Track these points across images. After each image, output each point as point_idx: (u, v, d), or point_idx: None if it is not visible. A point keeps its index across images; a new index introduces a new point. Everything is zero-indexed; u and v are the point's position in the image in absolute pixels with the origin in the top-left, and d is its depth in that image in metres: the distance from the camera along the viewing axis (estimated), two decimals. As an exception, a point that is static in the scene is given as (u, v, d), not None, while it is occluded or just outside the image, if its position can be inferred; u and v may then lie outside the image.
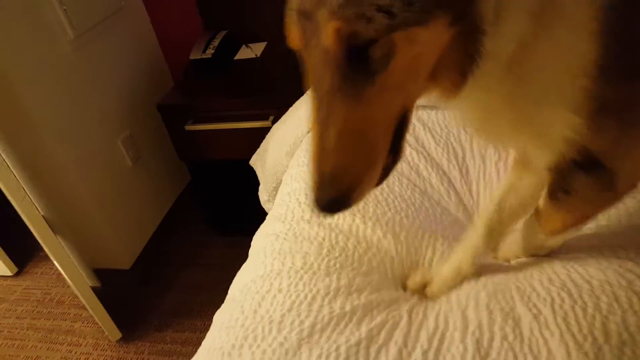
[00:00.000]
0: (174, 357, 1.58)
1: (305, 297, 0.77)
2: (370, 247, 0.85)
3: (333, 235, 0.87)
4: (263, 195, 1.43)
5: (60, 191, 1.62)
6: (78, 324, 1.76)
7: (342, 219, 0.90)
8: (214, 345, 0.74)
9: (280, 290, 0.79)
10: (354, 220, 0.89)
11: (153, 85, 1.95)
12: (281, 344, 0.69)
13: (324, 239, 0.86)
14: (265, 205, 1.44)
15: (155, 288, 1.85)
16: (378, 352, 0.67)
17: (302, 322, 0.72)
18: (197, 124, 1.65)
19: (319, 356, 0.67)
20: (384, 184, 0.98)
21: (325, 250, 0.84)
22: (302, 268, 0.82)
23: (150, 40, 1.99)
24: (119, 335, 1.67)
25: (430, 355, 0.65)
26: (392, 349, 0.67)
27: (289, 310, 0.74)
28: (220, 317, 0.81)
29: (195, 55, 1.80)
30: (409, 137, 1.11)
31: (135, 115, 1.87)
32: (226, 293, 0.90)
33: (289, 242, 0.88)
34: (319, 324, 0.72)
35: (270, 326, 0.72)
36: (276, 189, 1.29)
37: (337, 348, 0.68)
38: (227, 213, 1.94)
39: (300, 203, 0.98)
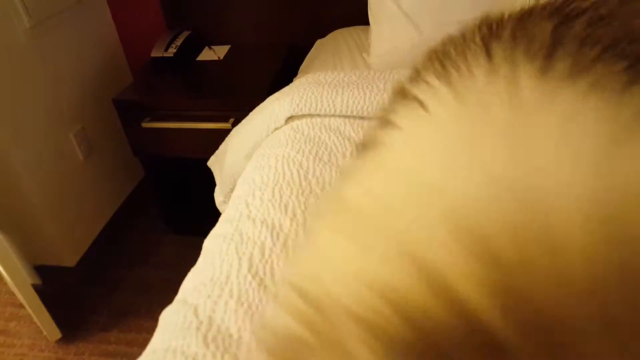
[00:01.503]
0: (117, 359, 1.54)
1: (257, 307, 0.77)
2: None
3: (275, 233, 0.88)
4: (219, 196, 1.43)
5: (2, 182, 1.55)
6: (13, 324, 1.68)
7: (280, 216, 0.92)
8: (164, 346, 0.74)
9: (231, 297, 0.79)
10: (292, 219, 0.91)
11: (110, 81, 1.91)
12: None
13: (265, 238, 0.87)
14: (220, 206, 1.44)
15: (102, 287, 1.79)
16: None
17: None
18: (154, 122, 1.62)
19: None
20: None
21: (267, 250, 0.86)
22: (249, 271, 0.82)
23: (110, 35, 1.95)
24: (58, 335, 1.60)
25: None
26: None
27: (243, 321, 0.75)
28: (171, 318, 0.81)
29: (156, 53, 1.78)
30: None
31: (90, 109, 1.82)
32: (176, 293, 0.89)
33: (235, 243, 0.89)
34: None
35: (229, 340, 0.72)
36: (233, 191, 1.29)
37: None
38: (181, 212, 1.92)
39: (247, 204, 0.99)
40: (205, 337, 0.72)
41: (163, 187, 1.85)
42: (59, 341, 1.61)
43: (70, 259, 1.76)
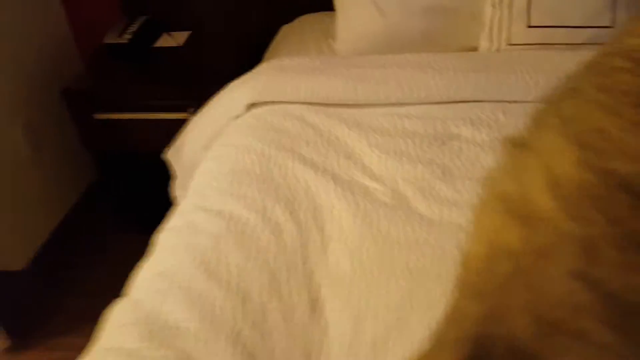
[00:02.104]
0: (69, 363, 1.50)
1: (205, 298, 0.75)
2: (264, 231, 0.85)
3: (231, 224, 0.87)
4: (177, 190, 1.41)
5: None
6: (-45, 332, 1.62)
7: (236, 207, 0.91)
8: (106, 345, 0.72)
9: (179, 288, 0.77)
10: (250, 208, 0.90)
11: (59, 70, 1.85)
12: (181, 353, 0.68)
13: (220, 229, 0.86)
14: (178, 200, 1.41)
15: (55, 291, 1.74)
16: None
17: (203, 331, 0.70)
18: (108, 113, 1.58)
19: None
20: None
21: (221, 241, 0.84)
22: (199, 263, 0.80)
23: (59, 21, 1.89)
24: (6, 343, 1.54)
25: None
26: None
27: (189, 312, 0.73)
28: (115, 315, 0.78)
29: (110, 39, 1.73)
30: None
31: (38, 101, 1.76)
32: None
33: (187, 236, 0.87)
34: (222, 328, 0.71)
35: (175, 332, 0.71)
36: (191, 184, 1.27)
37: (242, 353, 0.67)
38: (140, 208, 1.87)
39: (203, 195, 0.97)
40: (149, 331, 0.70)
41: (119, 182, 1.80)
42: (7, 350, 1.55)
43: (18, 263, 1.70)
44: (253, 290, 0.75)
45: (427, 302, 0.72)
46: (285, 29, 1.75)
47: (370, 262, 0.80)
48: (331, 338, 0.70)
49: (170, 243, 0.87)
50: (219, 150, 1.11)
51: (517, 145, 0.42)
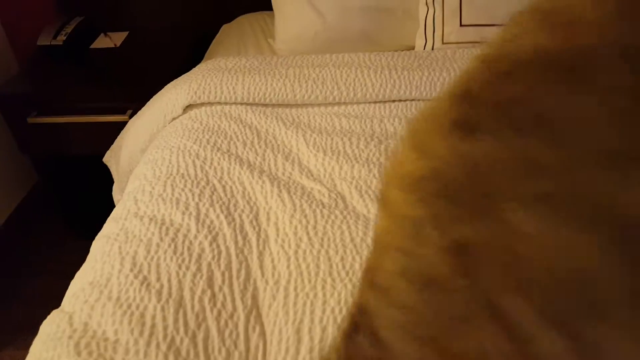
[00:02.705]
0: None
1: (137, 307, 0.71)
2: (198, 236, 0.82)
3: (164, 229, 0.83)
4: (117, 194, 1.34)
5: None
6: None
7: (170, 211, 0.87)
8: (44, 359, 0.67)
9: (109, 299, 0.73)
10: (184, 212, 0.87)
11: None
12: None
13: (153, 234, 0.82)
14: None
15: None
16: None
17: (136, 341, 0.66)
18: (42, 117, 1.49)
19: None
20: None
21: (154, 247, 0.80)
22: (131, 271, 0.76)
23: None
24: None
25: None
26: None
27: (120, 323, 0.69)
28: (46, 329, 0.73)
29: (43, 41, 1.64)
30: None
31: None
32: None
33: (119, 243, 0.82)
34: (154, 338, 0.67)
35: (105, 344, 0.66)
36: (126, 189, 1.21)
37: (176, 357, 0.64)
38: (82, 214, 1.78)
39: (136, 201, 0.92)
40: (77, 345, 0.65)
41: (59, 187, 1.71)
42: None
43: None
44: (188, 297, 0.72)
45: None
46: (225, 28, 1.71)
47: (307, 264, 0.78)
48: (271, 343, 0.67)
49: (102, 251, 0.82)
50: (154, 153, 1.06)
51: None
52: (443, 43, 1.38)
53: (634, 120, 0.15)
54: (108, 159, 1.36)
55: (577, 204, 0.14)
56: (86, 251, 1.76)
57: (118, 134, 1.39)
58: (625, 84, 0.16)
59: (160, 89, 1.34)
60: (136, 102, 1.46)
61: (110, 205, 1.44)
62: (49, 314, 1.62)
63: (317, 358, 0.58)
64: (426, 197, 0.19)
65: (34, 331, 1.54)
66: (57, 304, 1.64)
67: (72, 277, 1.71)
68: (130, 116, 1.46)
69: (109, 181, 1.46)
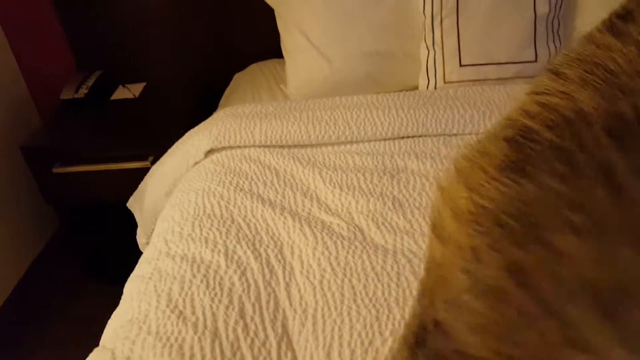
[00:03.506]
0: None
1: (175, 339, 0.76)
2: (228, 271, 0.87)
3: (195, 266, 0.87)
4: (141, 238, 1.39)
5: None
6: None
7: (200, 249, 0.92)
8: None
9: (149, 333, 0.77)
10: (213, 250, 0.91)
11: (18, 127, 1.82)
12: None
13: (185, 272, 0.86)
14: (143, 248, 1.40)
15: (19, 347, 1.66)
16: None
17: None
18: (66, 166, 1.56)
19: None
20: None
21: (187, 283, 0.84)
22: (167, 306, 0.81)
23: (15, 81, 1.87)
24: None
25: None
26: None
27: (161, 355, 0.73)
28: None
29: (66, 95, 1.73)
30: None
31: (-3, 157, 1.72)
32: None
33: (154, 281, 0.87)
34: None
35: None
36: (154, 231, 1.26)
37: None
38: (103, 260, 1.83)
39: (167, 241, 0.97)
40: None
41: (81, 234, 1.76)
42: None
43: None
44: (222, 328, 0.76)
45: (391, 327, 0.74)
46: (238, 77, 1.79)
47: (332, 293, 0.82)
48: (301, 368, 0.71)
49: (137, 290, 0.86)
50: (180, 196, 1.12)
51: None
52: (445, 82, 1.46)
53: None
54: (132, 204, 1.42)
55: (614, 227, 0.18)
56: (102, 296, 1.81)
57: (139, 180, 1.45)
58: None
59: (179, 135, 1.41)
60: (156, 148, 1.53)
61: (130, 250, 1.49)
62: (72, 356, 1.64)
63: None
64: (481, 230, 0.23)
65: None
66: (80, 348, 1.66)
67: (90, 320, 1.75)
68: (152, 162, 1.52)
69: (127, 227, 1.51)
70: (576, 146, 0.20)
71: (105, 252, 1.80)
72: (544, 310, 0.18)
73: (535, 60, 1.45)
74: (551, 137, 0.21)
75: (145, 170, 1.48)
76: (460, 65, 1.44)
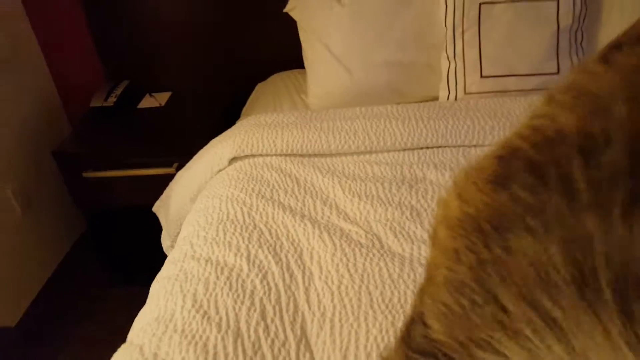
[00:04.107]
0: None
1: (200, 337, 0.81)
2: (250, 275, 0.92)
3: (219, 269, 0.93)
4: (166, 241, 1.46)
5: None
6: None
7: (224, 253, 0.97)
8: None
9: (175, 331, 0.83)
10: (236, 254, 0.97)
11: (49, 133, 1.92)
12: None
13: (210, 274, 0.92)
14: (167, 251, 1.46)
15: (46, 346, 1.74)
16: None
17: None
18: (96, 172, 1.64)
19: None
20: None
21: (211, 284, 0.90)
22: (192, 306, 0.86)
23: (47, 88, 1.97)
24: None
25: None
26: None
27: (187, 352, 0.78)
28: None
29: (96, 102, 1.81)
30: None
31: (28, 162, 1.81)
32: None
33: (180, 282, 0.93)
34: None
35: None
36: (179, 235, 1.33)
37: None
38: (127, 263, 1.91)
39: (192, 245, 1.03)
40: None
41: (106, 239, 1.84)
42: None
43: (10, 319, 1.71)
44: (244, 328, 0.81)
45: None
46: (260, 87, 1.86)
47: (350, 298, 0.87)
48: (319, 369, 0.76)
49: (164, 290, 0.92)
50: (205, 201, 1.18)
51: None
52: (465, 93, 1.49)
53: None
54: (157, 208, 1.49)
55: (559, 226, 0.23)
56: (126, 298, 1.88)
57: (164, 186, 1.52)
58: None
59: (202, 143, 1.48)
60: (181, 155, 1.60)
61: (154, 253, 1.56)
62: (97, 357, 1.71)
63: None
64: (463, 233, 0.28)
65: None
66: (104, 348, 1.73)
67: (114, 321, 1.81)
68: (177, 169, 1.59)
69: (151, 230, 1.58)
70: (549, 162, 0.24)
71: (129, 254, 1.88)
72: (487, 298, 0.23)
73: (557, 72, 1.48)
74: (531, 154, 0.25)
75: (170, 176, 1.55)
76: (481, 76, 1.48)
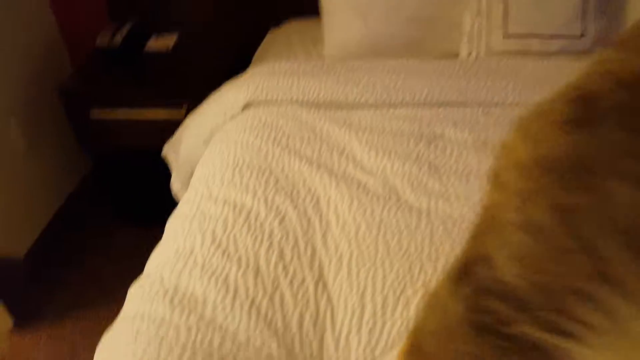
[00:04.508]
0: (74, 347, 1.55)
1: (220, 273, 0.84)
2: (268, 218, 0.95)
3: (237, 210, 0.96)
4: (176, 184, 1.48)
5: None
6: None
7: (241, 195, 1.00)
8: (132, 314, 0.79)
9: (195, 266, 0.86)
10: (253, 198, 0.99)
11: (52, 71, 1.91)
12: (203, 318, 0.76)
13: (228, 214, 0.94)
14: (177, 194, 1.49)
15: (53, 279, 1.79)
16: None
17: (222, 300, 0.79)
18: (103, 112, 1.64)
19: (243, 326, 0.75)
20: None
21: (230, 224, 0.93)
22: (212, 244, 0.89)
23: (49, 25, 1.95)
24: (10, 324, 1.61)
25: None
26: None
27: (207, 285, 0.81)
28: (138, 291, 0.86)
29: (101, 43, 1.80)
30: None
31: (31, 98, 1.82)
32: (131, 284, 0.93)
33: (198, 221, 0.95)
34: (238, 297, 0.80)
35: (195, 302, 0.79)
36: (190, 177, 1.34)
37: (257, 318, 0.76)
38: (134, 203, 1.93)
39: (208, 186, 1.05)
40: (171, 301, 0.78)
41: (113, 177, 1.85)
42: (12, 330, 1.62)
43: (18, 250, 1.76)
44: (264, 267, 0.84)
45: (423, 279, 0.82)
46: (273, 33, 1.84)
47: (367, 245, 0.90)
48: (338, 308, 0.79)
49: (181, 227, 0.95)
50: (220, 146, 1.20)
51: None
52: (487, 52, 1.50)
53: None
54: (167, 151, 1.50)
55: None
56: (132, 238, 1.92)
57: (172, 129, 1.53)
58: None
59: (212, 87, 1.48)
60: (190, 99, 1.60)
61: (161, 197, 1.58)
62: (103, 293, 1.75)
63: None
64: (535, 176, 0.27)
65: (91, 306, 1.69)
66: (109, 284, 1.78)
67: (120, 260, 1.85)
68: (186, 112, 1.60)
69: (157, 173, 1.59)
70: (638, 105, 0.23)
71: (136, 198, 1.90)
72: (580, 245, 0.21)
73: (581, 36, 1.48)
74: (621, 96, 0.24)
75: (179, 120, 1.56)
76: (505, 35, 1.48)
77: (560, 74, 1.35)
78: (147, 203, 1.87)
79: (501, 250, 0.25)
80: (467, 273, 0.28)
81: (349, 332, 0.76)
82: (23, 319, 1.64)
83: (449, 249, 0.88)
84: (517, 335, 0.23)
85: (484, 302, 0.25)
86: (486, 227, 0.28)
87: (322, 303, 0.80)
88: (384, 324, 0.76)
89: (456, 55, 1.54)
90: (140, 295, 0.82)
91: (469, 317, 0.26)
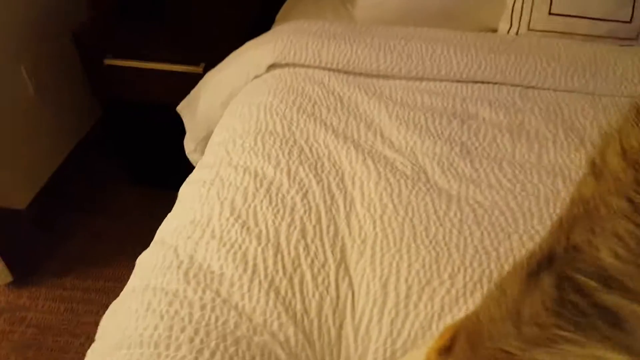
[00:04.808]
0: (73, 304, 1.55)
1: (239, 247, 0.82)
2: (290, 191, 0.92)
3: (258, 180, 0.93)
4: (189, 144, 1.45)
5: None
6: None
7: (263, 164, 0.97)
8: (142, 284, 0.77)
9: (213, 237, 0.83)
10: (276, 167, 0.96)
11: (65, 15, 1.85)
12: (219, 295, 0.74)
13: (248, 184, 0.91)
14: (190, 155, 1.46)
15: (55, 232, 1.79)
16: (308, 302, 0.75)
17: (240, 277, 0.77)
18: (118, 60, 1.60)
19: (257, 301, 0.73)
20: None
21: (250, 195, 0.90)
22: (231, 215, 0.87)
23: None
24: (9, 278, 1.60)
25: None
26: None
27: (225, 259, 0.79)
28: (149, 259, 0.84)
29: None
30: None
31: (44, 41, 1.76)
32: (137, 245, 0.92)
33: (216, 188, 0.92)
34: (257, 275, 0.77)
35: (212, 276, 0.77)
36: (206, 138, 1.31)
37: (276, 299, 0.74)
38: (143, 161, 1.90)
39: (228, 152, 1.02)
40: (186, 274, 0.76)
41: (124, 132, 1.82)
42: (10, 284, 1.62)
43: (20, 201, 1.74)
44: (284, 244, 0.82)
45: (449, 270, 0.79)
46: (299, -11, 1.77)
47: (392, 229, 0.87)
48: (359, 294, 0.77)
49: (198, 194, 0.92)
50: (241, 108, 1.16)
51: None
52: (529, 29, 1.43)
53: None
54: (182, 108, 1.47)
55: None
56: (139, 197, 1.90)
57: (188, 85, 1.48)
58: None
59: (233, 45, 1.43)
60: (209, 55, 1.55)
61: (173, 155, 1.55)
62: (106, 251, 1.74)
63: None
64: (636, 166, 0.28)
65: (92, 264, 1.69)
66: (113, 243, 1.76)
67: (124, 219, 1.84)
68: (204, 69, 1.55)
69: (170, 129, 1.56)
70: None
71: (147, 154, 1.87)
72: None
73: (630, 21, 1.41)
74: None
75: (196, 76, 1.51)
76: (550, 13, 1.41)
77: (604, 62, 1.30)
78: (158, 161, 1.85)
79: (610, 238, 0.26)
80: (548, 266, 0.30)
81: (369, 322, 0.74)
82: (22, 273, 1.64)
83: (477, 240, 0.86)
84: (598, 303, 0.26)
85: (572, 282, 0.28)
86: (579, 219, 0.30)
87: (343, 288, 0.78)
88: (406, 315, 0.74)
89: (494, 29, 1.47)
90: (152, 265, 0.80)
91: (551, 293, 0.29)
